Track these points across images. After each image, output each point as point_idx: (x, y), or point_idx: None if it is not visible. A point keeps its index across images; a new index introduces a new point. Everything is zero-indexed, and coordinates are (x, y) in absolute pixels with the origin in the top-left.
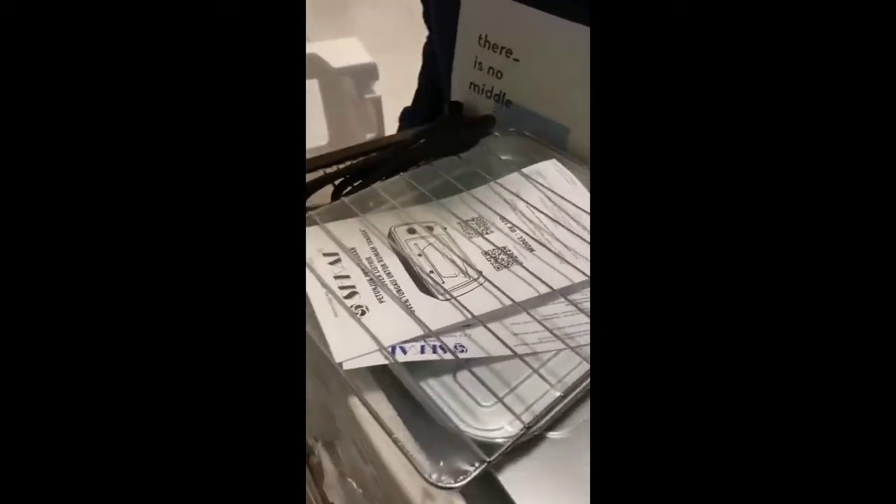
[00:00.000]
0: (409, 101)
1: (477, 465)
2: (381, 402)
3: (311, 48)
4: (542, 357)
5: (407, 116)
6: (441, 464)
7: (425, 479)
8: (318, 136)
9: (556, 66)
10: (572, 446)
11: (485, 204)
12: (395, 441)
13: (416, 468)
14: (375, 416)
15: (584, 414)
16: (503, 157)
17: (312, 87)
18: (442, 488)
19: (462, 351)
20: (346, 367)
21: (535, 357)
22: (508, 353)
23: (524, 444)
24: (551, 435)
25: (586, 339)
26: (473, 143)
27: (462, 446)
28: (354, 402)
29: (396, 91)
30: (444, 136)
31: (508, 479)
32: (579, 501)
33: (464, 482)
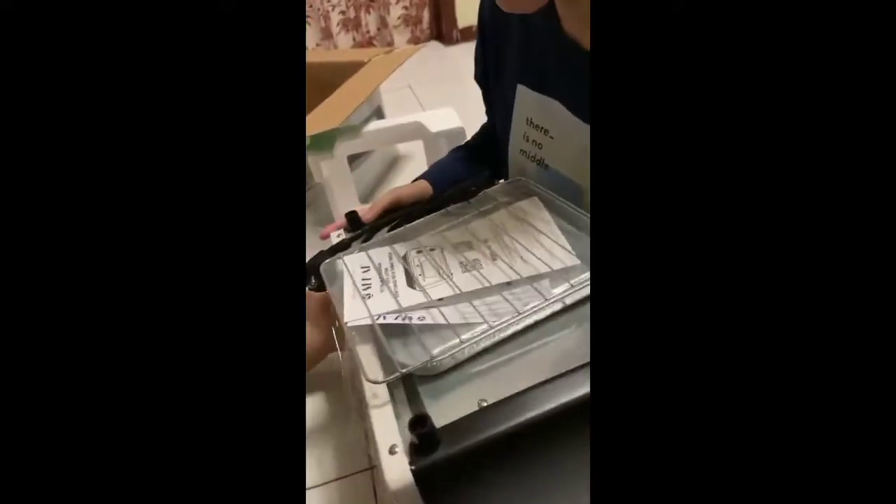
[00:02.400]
0: None
1: (396, 374)
2: (366, 344)
3: (417, 117)
4: (471, 326)
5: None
6: (380, 376)
7: (366, 378)
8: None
9: (574, 143)
10: (465, 377)
11: (474, 232)
12: (359, 361)
13: (363, 372)
14: (355, 350)
15: (483, 363)
16: (501, 199)
17: (418, 146)
18: (370, 381)
19: (422, 319)
20: (349, 324)
21: (466, 326)
22: (448, 322)
23: (444, 372)
24: (458, 369)
25: (500, 318)
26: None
27: (395, 368)
28: (353, 344)
29: None
30: (462, 189)
31: (424, 386)
32: (459, 402)
33: (384, 380)
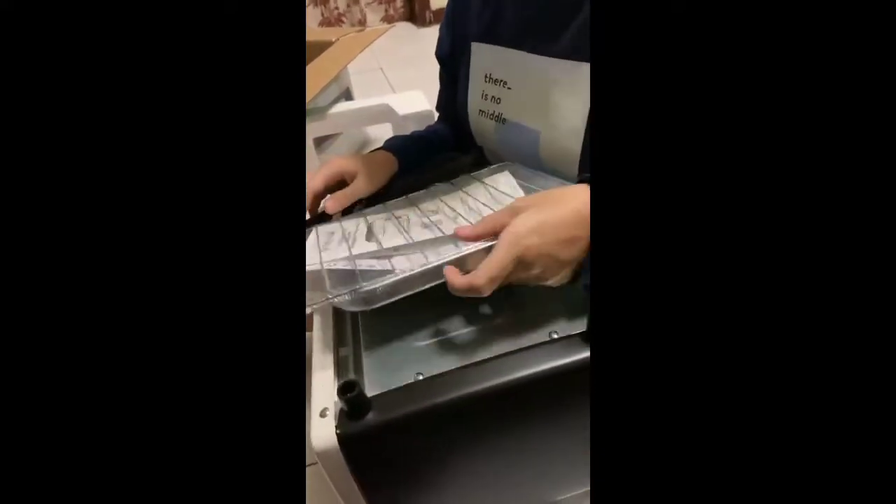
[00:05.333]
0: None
1: (323, 301)
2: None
3: (384, 99)
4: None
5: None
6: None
7: None
8: None
9: (534, 87)
10: (410, 351)
11: (445, 202)
12: None
13: None
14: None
15: (427, 339)
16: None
17: (386, 129)
18: None
19: (371, 267)
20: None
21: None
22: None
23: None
24: (403, 341)
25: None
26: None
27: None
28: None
29: None
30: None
31: (369, 357)
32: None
33: (314, 306)
